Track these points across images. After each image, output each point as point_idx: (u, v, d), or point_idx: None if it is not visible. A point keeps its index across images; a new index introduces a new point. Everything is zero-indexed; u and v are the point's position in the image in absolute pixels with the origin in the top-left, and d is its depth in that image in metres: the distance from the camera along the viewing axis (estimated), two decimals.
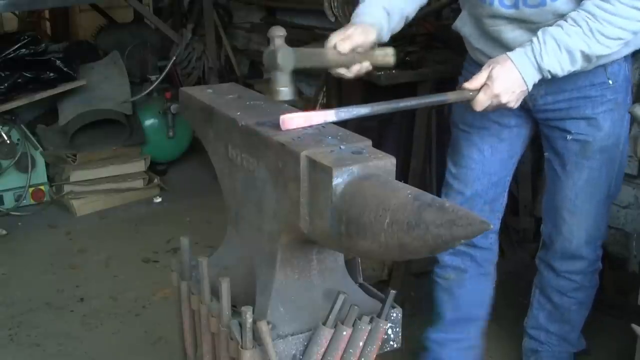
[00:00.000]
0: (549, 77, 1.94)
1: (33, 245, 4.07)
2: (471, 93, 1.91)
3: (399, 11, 2.11)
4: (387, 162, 1.43)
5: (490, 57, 2.13)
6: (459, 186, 2.41)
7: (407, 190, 1.32)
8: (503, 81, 1.90)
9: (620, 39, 1.92)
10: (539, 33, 1.91)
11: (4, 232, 4.18)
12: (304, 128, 1.57)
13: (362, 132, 1.58)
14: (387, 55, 1.98)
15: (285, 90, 1.64)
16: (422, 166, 3.13)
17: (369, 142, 1.52)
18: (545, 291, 2.51)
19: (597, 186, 2.28)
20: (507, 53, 1.94)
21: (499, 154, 2.37)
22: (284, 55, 1.65)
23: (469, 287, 2.54)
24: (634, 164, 3.18)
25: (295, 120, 1.56)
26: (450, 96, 1.91)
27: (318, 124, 1.59)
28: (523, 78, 1.91)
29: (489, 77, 1.90)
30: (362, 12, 2.04)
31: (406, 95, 1.89)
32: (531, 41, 1.92)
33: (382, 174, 1.41)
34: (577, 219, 2.32)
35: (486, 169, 2.38)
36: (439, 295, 2.60)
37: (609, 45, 1.92)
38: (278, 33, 1.67)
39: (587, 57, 1.92)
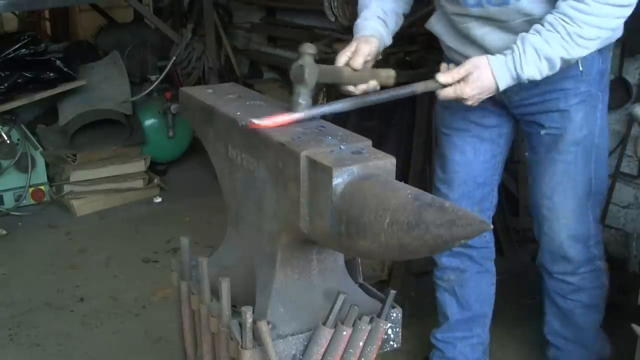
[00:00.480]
0: (526, 82, 1.95)
1: (33, 245, 4.07)
2: (438, 83, 1.94)
3: (392, 14, 2.18)
4: (387, 162, 1.43)
5: (463, 55, 2.15)
6: (446, 190, 2.43)
7: (407, 190, 1.32)
8: (477, 87, 1.92)
9: (598, 37, 1.92)
10: (518, 42, 1.92)
11: (4, 232, 4.18)
12: (304, 128, 1.58)
13: (362, 132, 1.58)
14: (390, 77, 2.06)
15: (304, 104, 1.70)
16: (422, 166, 3.13)
17: (369, 142, 1.52)
18: (550, 296, 2.49)
19: (574, 181, 2.26)
20: (488, 58, 1.94)
21: (482, 155, 2.38)
22: (311, 73, 1.73)
23: (471, 285, 2.55)
24: (634, 164, 3.18)
25: (263, 123, 1.58)
26: (418, 87, 1.93)
27: (310, 124, 1.62)
28: (497, 85, 1.93)
29: (465, 79, 1.92)
30: (361, 27, 2.12)
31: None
32: (512, 50, 1.92)
33: (382, 174, 1.41)
34: (556, 215, 2.31)
35: (470, 170, 2.39)
36: (442, 297, 2.61)
37: (588, 46, 1.92)
38: (309, 51, 1.74)
39: (566, 62, 1.94)
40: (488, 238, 2.54)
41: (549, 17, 1.90)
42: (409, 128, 3.24)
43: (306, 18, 4.84)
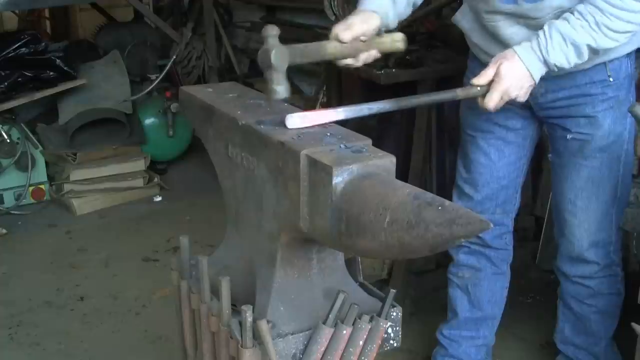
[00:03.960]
0: (556, 70, 1.93)
1: (33, 244, 4.07)
2: (479, 89, 1.92)
3: None
4: (387, 161, 1.43)
5: (487, 53, 2.12)
6: (470, 190, 2.41)
7: (407, 189, 1.32)
8: (511, 77, 1.90)
9: (627, 32, 1.90)
10: (545, 27, 1.91)
11: (4, 231, 4.18)
12: (304, 127, 1.58)
13: (362, 131, 1.58)
14: (396, 41, 1.95)
15: (280, 89, 1.64)
16: (422, 165, 3.13)
17: (369, 141, 1.51)
18: (565, 300, 2.47)
19: (599, 186, 2.24)
20: (514, 47, 1.93)
21: (507, 157, 2.36)
22: (278, 54, 1.64)
23: (484, 286, 2.54)
24: (634, 163, 3.17)
25: (301, 120, 1.56)
26: (459, 92, 1.91)
27: (321, 123, 1.60)
28: (530, 72, 1.91)
29: (497, 74, 1.90)
30: (365, 0, 1.99)
31: (406, 95, 1.89)
32: (537, 35, 1.91)
33: (382, 172, 1.41)
34: (579, 220, 2.29)
35: (494, 173, 2.37)
36: (454, 293, 2.60)
37: (617, 39, 1.91)
38: (271, 32, 1.66)
39: (594, 51, 1.92)
40: (507, 240, 2.52)
41: (579, 7, 1.89)
42: (408, 127, 3.24)
43: (306, 17, 4.83)
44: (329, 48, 1.84)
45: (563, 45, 1.89)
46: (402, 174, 1.98)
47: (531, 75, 1.92)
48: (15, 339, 3.14)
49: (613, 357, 2.54)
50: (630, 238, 3.20)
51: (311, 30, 4.51)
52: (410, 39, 3.30)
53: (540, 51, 1.90)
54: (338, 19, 3.88)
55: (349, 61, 1.90)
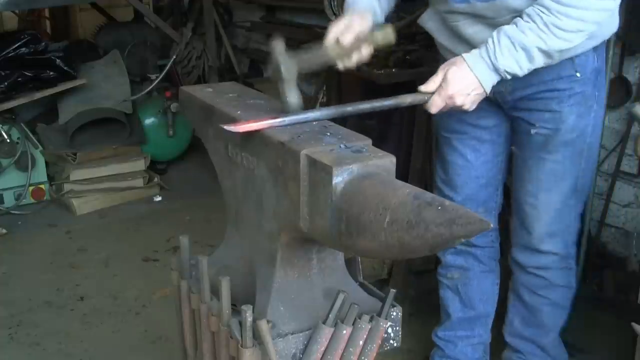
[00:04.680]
0: (509, 77, 1.90)
1: (33, 244, 4.06)
2: (426, 97, 1.88)
3: None
4: (387, 161, 1.43)
5: (454, 53, 2.10)
6: (450, 192, 2.41)
7: (407, 189, 1.32)
8: (457, 83, 1.87)
9: (580, 30, 1.85)
10: (494, 33, 1.88)
11: (4, 231, 4.18)
12: (303, 126, 1.58)
13: (362, 131, 1.58)
14: (387, 34, 1.94)
15: (294, 103, 1.67)
16: (422, 165, 3.13)
17: (369, 141, 1.52)
18: (518, 291, 2.46)
19: (561, 179, 2.23)
20: (463, 54, 1.90)
21: (483, 156, 2.36)
22: (287, 67, 1.69)
23: (474, 284, 2.54)
24: (634, 162, 3.18)
25: (243, 127, 1.56)
26: (405, 99, 1.86)
27: (309, 124, 1.61)
28: (479, 80, 1.88)
29: (444, 79, 1.87)
30: (354, 0, 2.02)
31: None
32: (486, 42, 1.88)
33: (382, 172, 1.41)
34: (538, 211, 2.28)
35: (472, 173, 2.37)
36: (445, 295, 2.60)
37: (569, 39, 1.85)
38: (279, 46, 1.70)
39: (546, 53, 1.87)
40: (493, 237, 2.52)
41: (528, 9, 1.86)
42: (409, 127, 3.24)
43: (306, 17, 4.83)
44: (330, 51, 1.86)
45: (512, 49, 1.85)
46: (402, 174, 1.98)
47: (480, 84, 1.88)
48: (15, 339, 3.14)
49: (560, 351, 2.55)
50: (631, 238, 3.21)
51: (311, 30, 4.51)
52: (410, 39, 3.33)
53: (489, 57, 1.86)
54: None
55: (345, 63, 1.90)
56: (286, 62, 1.69)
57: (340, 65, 1.91)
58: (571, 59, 2.08)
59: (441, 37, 2.23)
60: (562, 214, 2.29)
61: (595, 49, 2.11)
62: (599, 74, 2.18)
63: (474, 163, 2.36)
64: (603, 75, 2.22)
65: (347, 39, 1.86)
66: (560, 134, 2.17)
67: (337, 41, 1.87)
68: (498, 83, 1.93)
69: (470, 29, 2.07)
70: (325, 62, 1.87)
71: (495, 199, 2.46)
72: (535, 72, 1.99)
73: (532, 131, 2.19)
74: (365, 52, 1.92)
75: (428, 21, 2.25)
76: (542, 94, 2.14)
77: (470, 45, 2.01)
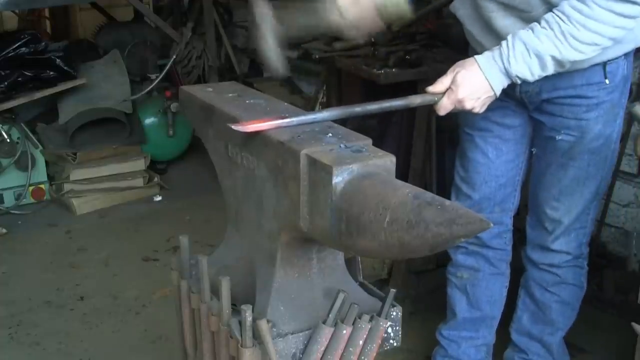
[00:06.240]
0: (519, 82, 1.89)
1: (33, 244, 4.06)
2: (436, 97, 1.87)
3: None
4: (387, 161, 1.43)
5: (480, 43, 2.09)
6: (468, 190, 2.40)
7: (407, 189, 1.32)
8: (467, 87, 1.85)
9: (595, 44, 1.83)
10: (509, 37, 1.86)
11: (4, 230, 4.18)
12: (304, 126, 1.58)
13: (363, 131, 1.58)
14: (400, 5, 1.89)
15: (277, 65, 1.61)
16: (422, 165, 3.13)
17: (369, 141, 1.51)
18: (529, 288, 2.47)
19: (584, 185, 2.24)
20: (475, 57, 1.89)
21: (504, 155, 2.34)
22: (268, 25, 1.63)
23: (483, 286, 2.54)
24: (634, 162, 3.18)
25: (251, 127, 1.55)
26: (415, 100, 1.85)
27: (309, 124, 1.60)
28: (490, 83, 1.87)
29: (453, 82, 1.86)
30: None
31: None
32: (500, 45, 1.87)
33: (382, 172, 1.41)
34: (559, 214, 2.29)
35: (492, 171, 2.35)
36: (453, 293, 2.59)
37: (583, 51, 1.84)
38: (261, 7, 1.64)
39: (559, 63, 1.85)
40: (507, 239, 2.51)
41: (547, 15, 1.84)
42: (409, 126, 3.24)
43: None
44: (331, 21, 1.78)
45: (526, 55, 1.83)
46: (402, 174, 1.98)
47: (491, 87, 1.87)
48: (15, 338, 3.14)
49: (563, 354, 2.56)
50: (630, 238, 3.21)
51: None
52: (410, 39, 3.32)
53: (502, 61, 1.85)
54: None
55: (352, 34, 1.86)
56: (267, 21, 1.62)
57: (347, 35, 1.85)
58: (602, 64, 2.05)
59: (470, 25, 2.18)
60: (582, 216, 2.30)
61: (626, 55, 2.08)
62: (627, 81, 2.16)
63: (495, 161, 2.34)
64: (629, 81, 2.19)
65: (350, 14, 1.82)
66: (586, 141, 2.15)
67: (341, 14, 1.82)
68: (526, 83, 1.92)
69: (504, 21, 2.03)
70: (319, 27, 1.80)
71: (513, 200, 2.45)
72: (565, 76, 1.99)
73: (557, 137, 2.18)
74: (375, 24, 1.87)
75: (460, 8, 2.21)
76: (569, 100, 2.11)
77: (499, 38, 1.96)
